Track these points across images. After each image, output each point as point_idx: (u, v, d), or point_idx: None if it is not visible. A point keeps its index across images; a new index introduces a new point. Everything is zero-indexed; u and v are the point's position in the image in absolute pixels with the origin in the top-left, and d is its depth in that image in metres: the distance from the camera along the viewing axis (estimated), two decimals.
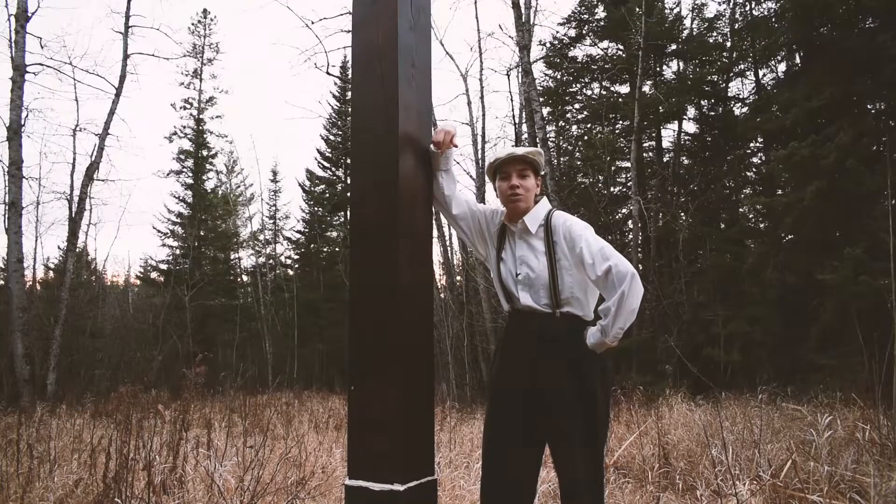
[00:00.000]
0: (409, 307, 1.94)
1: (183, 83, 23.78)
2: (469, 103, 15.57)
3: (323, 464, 4.66)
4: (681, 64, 14.89)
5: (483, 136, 15.67)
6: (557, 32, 15.61)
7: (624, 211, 14.71)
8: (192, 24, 24.05)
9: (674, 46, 14.41)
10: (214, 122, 24.79)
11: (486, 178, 2.48)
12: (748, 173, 14.24)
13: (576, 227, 2.27)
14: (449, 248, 15.72)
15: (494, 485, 2.25)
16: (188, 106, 23.82)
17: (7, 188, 12.15)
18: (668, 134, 15.29)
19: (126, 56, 14.52)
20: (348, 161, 21.05)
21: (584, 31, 15.31)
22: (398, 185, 1.93)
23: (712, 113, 14.30)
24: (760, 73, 14.23)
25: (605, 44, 15.43)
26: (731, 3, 14.63)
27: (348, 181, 14.07)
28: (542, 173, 2.44)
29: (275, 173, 26.50)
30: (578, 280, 2.26)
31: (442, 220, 14.36)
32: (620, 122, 14.97)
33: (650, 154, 15.04)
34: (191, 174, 23.69)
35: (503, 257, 2.37)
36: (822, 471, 3.53)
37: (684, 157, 14.84)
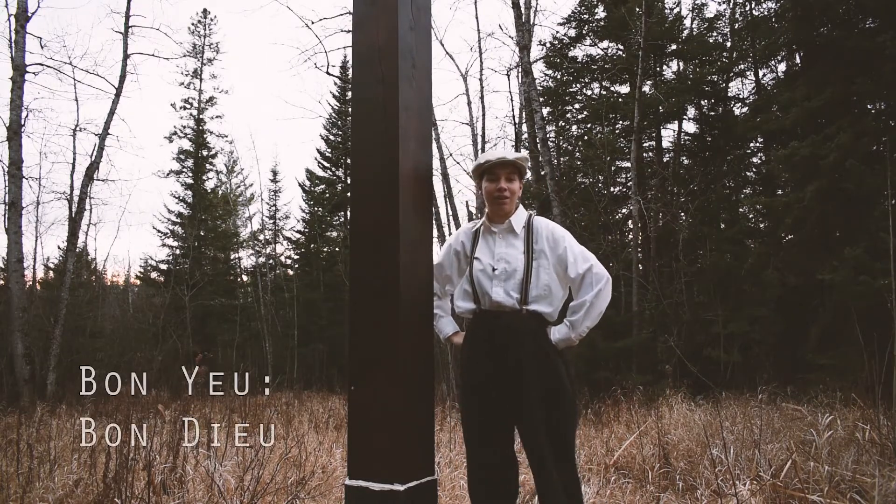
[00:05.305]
0: (409, 307, 1.94)
1: (183, 83, 23.82)
2: (469, 103, 15.59)
3: (323, 464, 4.66)
4: (681, 64, 14.86)
5: (483, 136, 15.68)
6: (557, 32, 15.60)
7: (624, 211, 14.68)
8: (192, 24, 24.10)
9: (674, 46, 14.38)
10: (214, 122, 24.86)
11: (472, 177, 2.63)
12: (748, 173, 14.22)
13: (558, 230, 2.46)
14: None
15: (479, 462, 2.39)
16: (188, 106, 23.84)
17: (7, 188, 12.17)
18: (668, 134, 15.28)
19: (126, 56, 14.52)
20: (348, 161, 21.03)
21: (584, 31, 15.28)
22: (398, 186, 1.93)
23: (712, 113, 14.27)
24: (760, 73, 14.22)
25: (605, 44, 15.40)
26: (731, 3, 14.62)
27: (348, 181, 14.05)
28: (528, 177, 2.58)
29: (275, 173, 26.52)
30: (552, 280, 2.38)
31: (442, 220, 14.36)
32: (620, 122, 14.94)
33: (650, 154, 15.02)
34: (191, 174, 23.70)
35: (477, 256, 2.45)
36: (822, 471, 3.53)
37: (684, 157, 14.82)
